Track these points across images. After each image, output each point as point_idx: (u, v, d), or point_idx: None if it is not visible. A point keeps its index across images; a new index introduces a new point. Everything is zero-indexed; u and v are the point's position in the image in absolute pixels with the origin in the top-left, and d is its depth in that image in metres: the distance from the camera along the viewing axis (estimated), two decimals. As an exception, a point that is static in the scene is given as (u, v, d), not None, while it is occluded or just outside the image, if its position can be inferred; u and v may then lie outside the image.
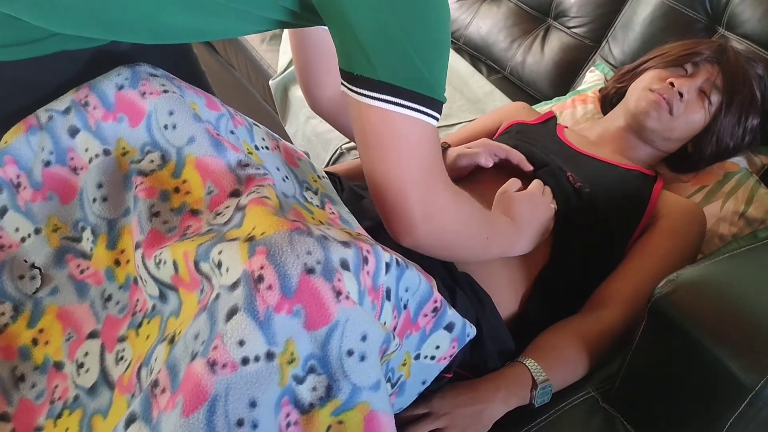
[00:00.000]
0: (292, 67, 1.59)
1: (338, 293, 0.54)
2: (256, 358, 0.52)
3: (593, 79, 1.50)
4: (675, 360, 0.73)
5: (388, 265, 0.59)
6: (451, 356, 0.73)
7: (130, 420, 0.53)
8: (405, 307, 0.65)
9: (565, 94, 1.51)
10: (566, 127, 1.21)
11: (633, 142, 1.14)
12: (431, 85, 0.65)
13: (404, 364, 0.69)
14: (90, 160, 0.71)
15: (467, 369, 0.82)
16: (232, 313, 0.52)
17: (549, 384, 0.81)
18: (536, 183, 0.96)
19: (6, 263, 0.70)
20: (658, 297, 0.72)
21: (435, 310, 0.68)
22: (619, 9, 1.57)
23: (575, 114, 1.38)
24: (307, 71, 0.97)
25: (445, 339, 0.71)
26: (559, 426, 0.81)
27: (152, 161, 0.69)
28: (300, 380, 0.54)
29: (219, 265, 0.55)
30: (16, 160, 0.71)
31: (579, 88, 1.52)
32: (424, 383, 0.73)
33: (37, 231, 0.71)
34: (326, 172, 0.93)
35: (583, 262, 0.95)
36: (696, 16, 1.41)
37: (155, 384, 0.54)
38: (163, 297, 0.62)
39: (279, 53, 1.76)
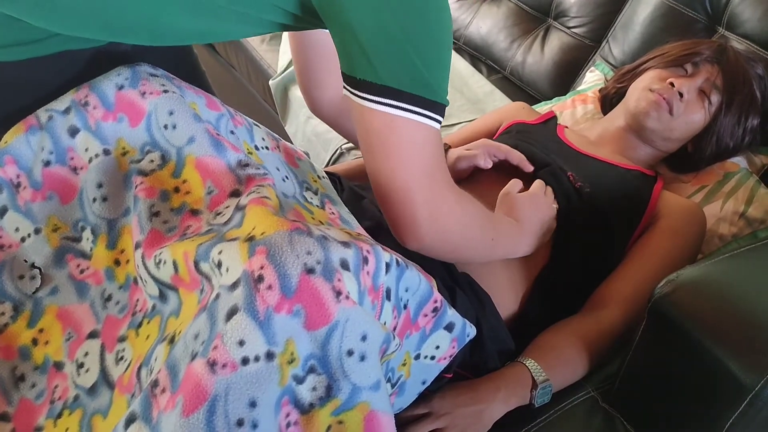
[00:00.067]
0: (292, 67, 1.58)
1: (338, 293, 0.54)
2: (256, 358, 0.52)
3: (593, 79, 1.50)
4: (675, 360, 0.73)
5: (388, 265, 0.59)
6: (451, 356, 0.73)
7: (130, 420, 0.53)
8: (405, 307, 0.64)
9: (565, 94, 1.51)
10: (566, 127, 1.21)
11: (633, 142, 1.14)
12: (433, 87, 0.65)
13: (404, 364, 0.68)
14: (90, 160, 0.71)
15: (467, 369, 0.82)
16: (232, 313, 0.52)
17: (549, 384, 0.81)
18: (538, 183, 0.96)
19: (6, 263, 0.70)
20: (658, 297, 0.72)
21: (435, 310, 0.68)
22: (619, 9, 1.57)
23: (575, 114, 1.38)
24: (307, 72, 0.97)
25: (445, 339, 0.71)
26: (559, 426, 0.81)
27: (152, 161, 0.69)
28: (300, 380, 0.54)
29: (219, 265, 0.55)
30: (16, 160, 0.71)
31: (579, 88, 1.52)
32: (424, 383, 0.73)
33: (37, 231, 0.71)
34: (326, 172, 0.93)
35: (583, 262, 0.95)
36: (696, 16, 1.41)
37: (155, 384, 0.54)
38: (163, 297, 0.62)
39: (279, 53, 1.76)
